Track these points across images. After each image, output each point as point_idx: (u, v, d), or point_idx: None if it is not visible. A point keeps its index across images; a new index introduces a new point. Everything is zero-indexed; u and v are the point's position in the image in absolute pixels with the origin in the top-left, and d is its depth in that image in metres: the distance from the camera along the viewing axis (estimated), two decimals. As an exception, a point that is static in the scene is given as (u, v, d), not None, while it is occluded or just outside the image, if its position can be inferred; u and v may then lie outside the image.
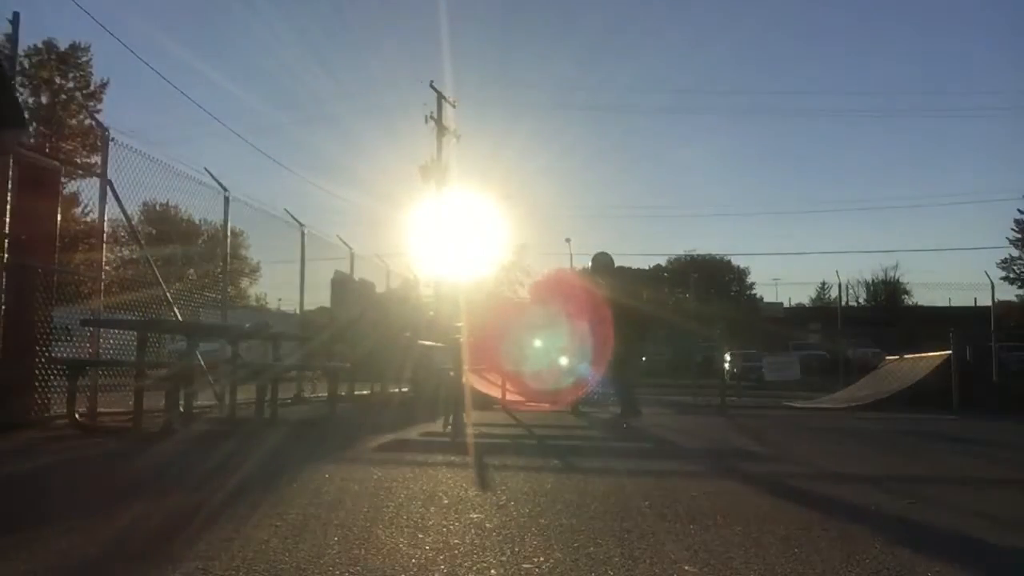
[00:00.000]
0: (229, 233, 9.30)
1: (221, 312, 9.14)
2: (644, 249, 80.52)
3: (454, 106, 27.79)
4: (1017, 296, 44.01)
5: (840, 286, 26.79)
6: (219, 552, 2.15)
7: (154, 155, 7.60)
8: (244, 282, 23.14)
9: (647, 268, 56.98)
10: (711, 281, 52.40)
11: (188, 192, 8.36)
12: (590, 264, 9.03)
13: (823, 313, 43.32)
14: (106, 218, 6.94)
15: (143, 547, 2.19)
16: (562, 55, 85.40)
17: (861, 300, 52.87)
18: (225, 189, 8.85)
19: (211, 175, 8.71)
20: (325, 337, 10.41)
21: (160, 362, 7.51)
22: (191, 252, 11.05)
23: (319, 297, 11.91)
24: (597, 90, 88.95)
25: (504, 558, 2.18)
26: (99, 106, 29.79)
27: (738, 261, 61.06)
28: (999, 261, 45.75)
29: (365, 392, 10.99)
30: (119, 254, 9.97)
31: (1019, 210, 44.62)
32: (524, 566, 2.10)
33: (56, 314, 6.39)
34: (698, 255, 55.58)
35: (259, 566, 2.03)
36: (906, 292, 51.79)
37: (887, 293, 52.16)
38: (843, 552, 2.33)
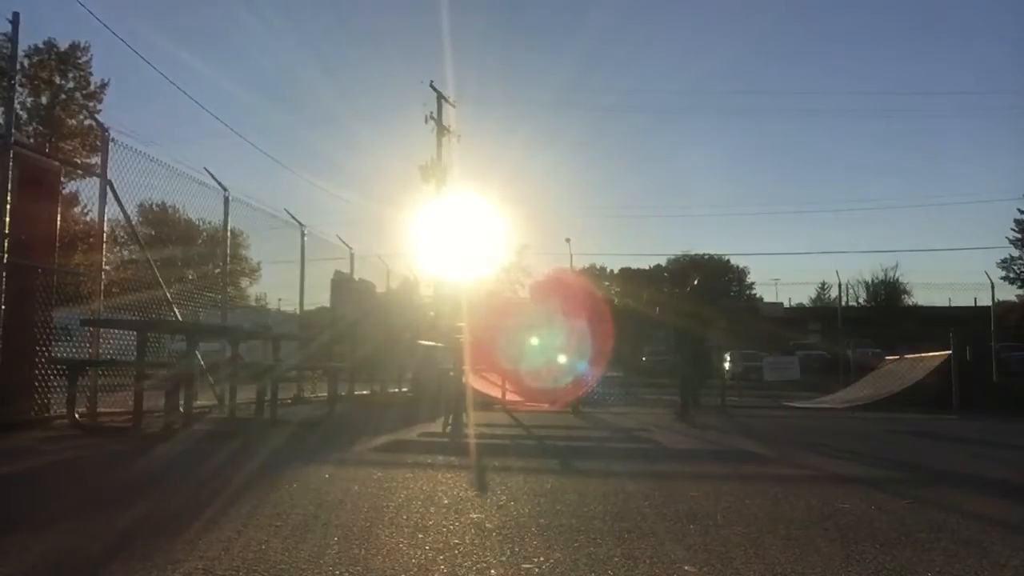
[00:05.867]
0: (229, 233, 9.30)
1: (221, 312, 9.14)
2: (644, 249, 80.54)
3: (454, 106, 27.77)
4: (1017, 296, 44.01)
5: (840, 286, 26.77)
6: (220, 552, 2.15)
7: (154, 155, 7.61)
8: (244, 282, 23.15)
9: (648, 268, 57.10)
10: (711, 281, 52.35)
11: (188, 192, 8.35)
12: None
13: (823, 313, 43.31)
14: (106, 218, 6.94)
15: (144, 547, 2.19)
16: (562, 55, 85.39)
17: (861, 300, 52.82)
18: (225, 189, 8.86)
19: (211, 175, 8.72)
20: (325, 338, 10.41)
21: (160, 362, 7.51)
22: (191, 252, 11.04)
23: (319, 297, 11.91)
24: (598, 90, 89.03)
25: (504, 558, 2.19)
26: (99, 106, 29.82)
27: (738, 261, 61.07)
28: (999, 261, 45.76)
29: (365, 392, 11.00)
30: (119, 255, 9.98)
31: (1019, 210, 44.65)
32: (524, 566, 2.11)
33: (56, 314, 6.39)
34: (697, 255, 55.57)
35: (260, 566, 2.03)
36: (906, 292, 51.75)
37: (887, 293, 52.06)
38: (843, 552, 2.33)
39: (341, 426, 6.71)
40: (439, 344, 9.10)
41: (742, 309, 49.51)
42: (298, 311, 11.71)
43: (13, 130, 6.15)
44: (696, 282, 10.29)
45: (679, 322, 8.82)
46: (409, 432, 6.22)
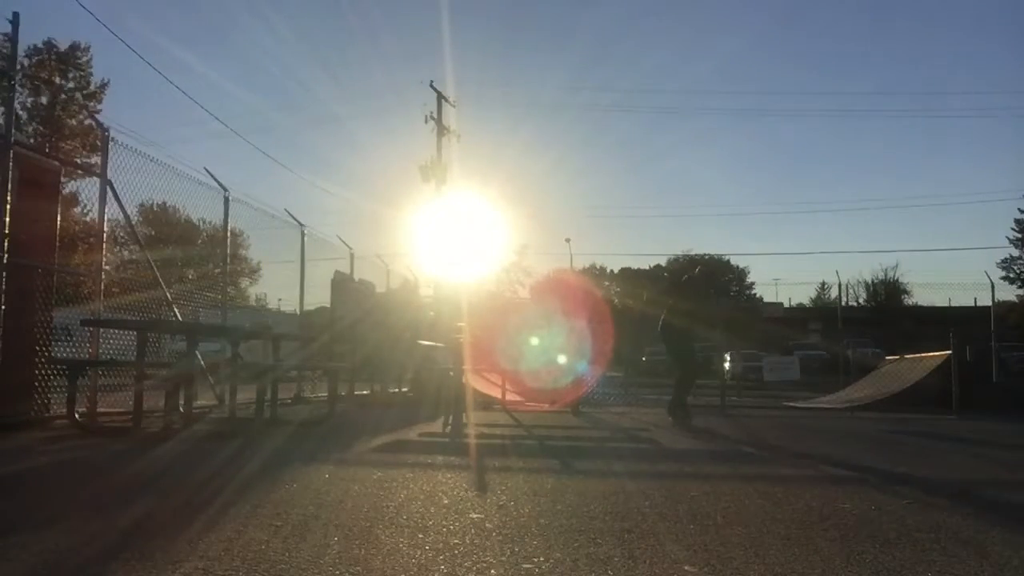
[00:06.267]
0: (229, 233, 9.30)
1: (221, 312, 9.14)
2: (644, 249, 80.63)
3: (454, 106, 27.81)
4: (1017, 296, 43.92)
5: (840, 286, 26.89)
6: (221, 552, 2.15)
7: (154, 155, 7.62)
8: (244, 282, 23.16)
9: (648, 268, 57.10)
10: (711, 281, 52.28)
11: (188, 192, 8.36)
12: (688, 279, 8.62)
13: (823, 313, 43.33)
14: (106, 218, 6.94)
15: (144, 547, 2.19)
16: (563, 56, 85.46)
17: (861, 300, 52.83)
18: (225, 189, 8.86)
19: (211, 175, 8.73)
20: (325, 338, 10.42)
21: (160, 362, 7.51)
22: (191, 252, 11.04)
23: (319, 297, 11.91)
24: (598, 90, 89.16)
25: (504, 558, 2.19)
26: (99, 106, 29.78)
27: (738, 261, 61.08)
28: (999, 261, 45.67)
29: (365, 392, 11.00)
30: (119, 254, 9.98)
31: (1019, 210, 44.58)
32: (524, 566, 2.11)
33: (56, 314, 6.39)
34: (697, 255, 55.58)
35: (260, 566, 2.03)
36: (906, 292, 51.71)
37: (887, 293, 52.06)
38: (843, 552, 2.33)
39: (341, 426, 6.71)
40: (439, 344, 9.10)
41: (742, 309, 49.51)
42: (298, 311, 11.71)
43: (13, 130, 6.15)
44: (697, 270, 9.39)
45: (665, 315, 7.80)
46: (409, 432, 6.22)
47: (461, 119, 29.15)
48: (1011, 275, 45.45)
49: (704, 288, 8.51)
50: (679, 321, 7.77)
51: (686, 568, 2.12)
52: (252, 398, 6.97)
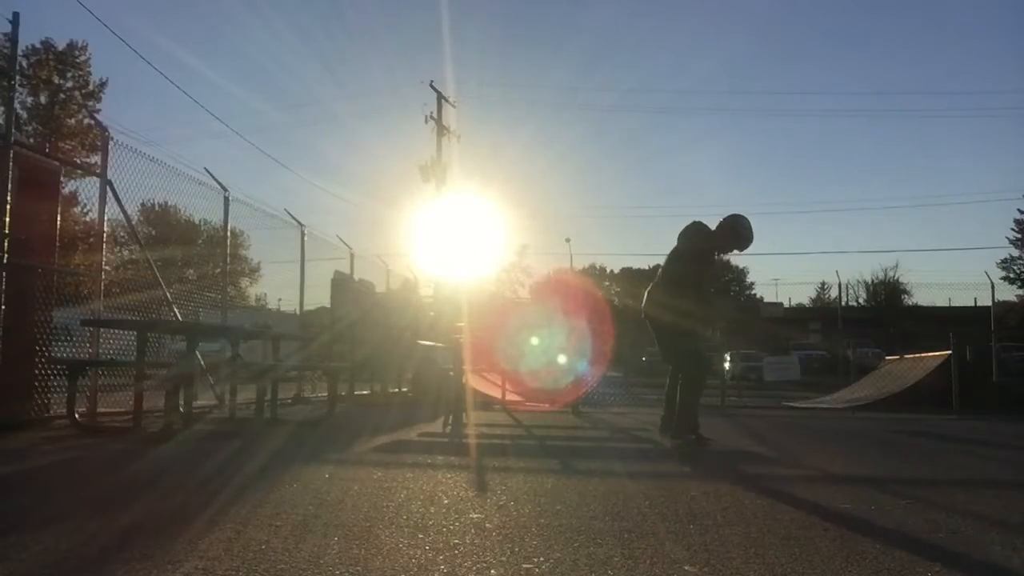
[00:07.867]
0: (229, 233, 9.30)
1: (221, 312, 9.14)
2: (644, 249, 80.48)
3: (454, 106, 27.85)
4: (1017, 296, 43.86)
5: (840, 286, 26.87)
6: (221, 552, 2.15)
7: (154, 155, 7.63)
8: (244, 282, 23.16)
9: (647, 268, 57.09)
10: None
11: (188, 192, 8.35)
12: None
13: (823, 313, 43.38)
14: (106, 218, 6.94)
15: (144, 547, 2.19)
16: (563, 55, 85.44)
17: (861, 300, 52.80)
18: (225, 189, 8.86)
19: (211, 175, 8.73)
20: (325, 338, 10.42)
21: (160, 362, 7.51)
22: (191, 252, 11.04)
23: (319, 297, 11.91)
24: (598, 90, 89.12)
25: (504, 558, 2.19)
26: (98, 105, 29.78)
27: (738, 261, 61.03)
28: (999, 261, 45.61)
29: (365, 392, 10.99)
30: (119, 254, 9.98)
31: (1019, 210, 44.51)
32: (524, 566, 2.11)
33: (56, 314, 6.39)
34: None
35: (260, 566, 2.03)
36: (906, 292, 51.70)
37: (887, 293, 52.05)
38: (843, 552, 2.33)
39: (341, 426, 6.71)
40: (439, 344, 9.10)
41: (742, 309, 49.48)
42: (298, 311, 11.71)
43: (13, 130, 6.15)
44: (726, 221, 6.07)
45: (651, 309, 5.77)
46: (409, 432, 6.22)
47: (461, 119, 29.20)
48: (1011, 275, 45.39)
49: (707, 245, 5.94)
50: (660, 311, 5.71)
51: (686, 568, 2.12)
52: (252, 398, 6.97)
